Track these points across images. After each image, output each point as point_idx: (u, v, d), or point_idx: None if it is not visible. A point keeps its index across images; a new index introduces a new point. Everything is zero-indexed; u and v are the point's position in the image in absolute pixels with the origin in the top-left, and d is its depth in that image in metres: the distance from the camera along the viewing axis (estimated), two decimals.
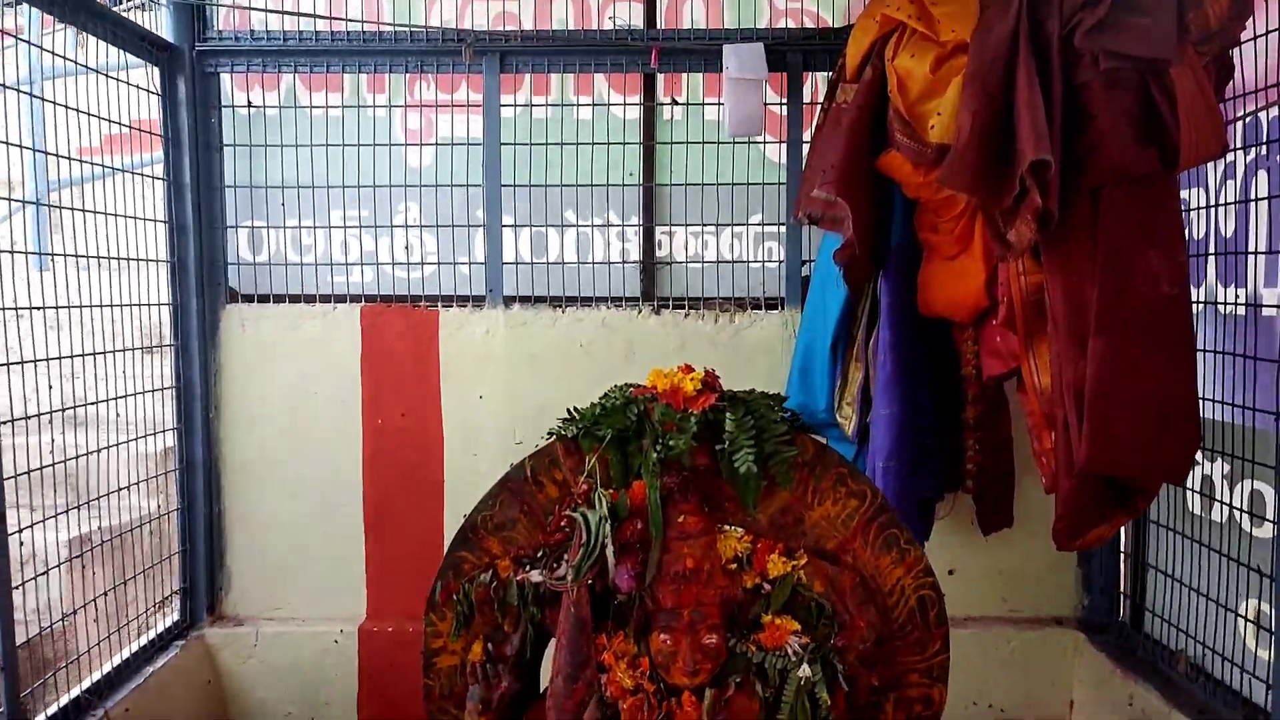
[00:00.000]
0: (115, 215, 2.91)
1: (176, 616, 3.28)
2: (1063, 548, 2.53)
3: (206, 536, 3.33)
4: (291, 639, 3.33)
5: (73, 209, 2.80)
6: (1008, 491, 3.09)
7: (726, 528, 1.97)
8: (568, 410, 2.02)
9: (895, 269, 2.86)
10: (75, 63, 2.79)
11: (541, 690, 2.01)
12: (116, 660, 2.88)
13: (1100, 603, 3.28)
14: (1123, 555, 3.25)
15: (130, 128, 2.95)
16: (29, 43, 3.19)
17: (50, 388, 2.52)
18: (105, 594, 2.84)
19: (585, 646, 1.82)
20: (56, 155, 2.68)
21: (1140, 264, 2.39)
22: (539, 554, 1.96)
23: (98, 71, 2.82)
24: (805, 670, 1.84)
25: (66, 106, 2.67)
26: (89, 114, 2.76)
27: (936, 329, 2.92)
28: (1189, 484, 2.82)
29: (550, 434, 2.03)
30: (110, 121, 2.85)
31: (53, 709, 2.56)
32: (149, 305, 3.09)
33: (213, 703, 3.25)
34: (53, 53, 2.75)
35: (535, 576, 1.89)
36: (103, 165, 2.95)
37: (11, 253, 2.48)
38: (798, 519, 2.01)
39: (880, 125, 2.73)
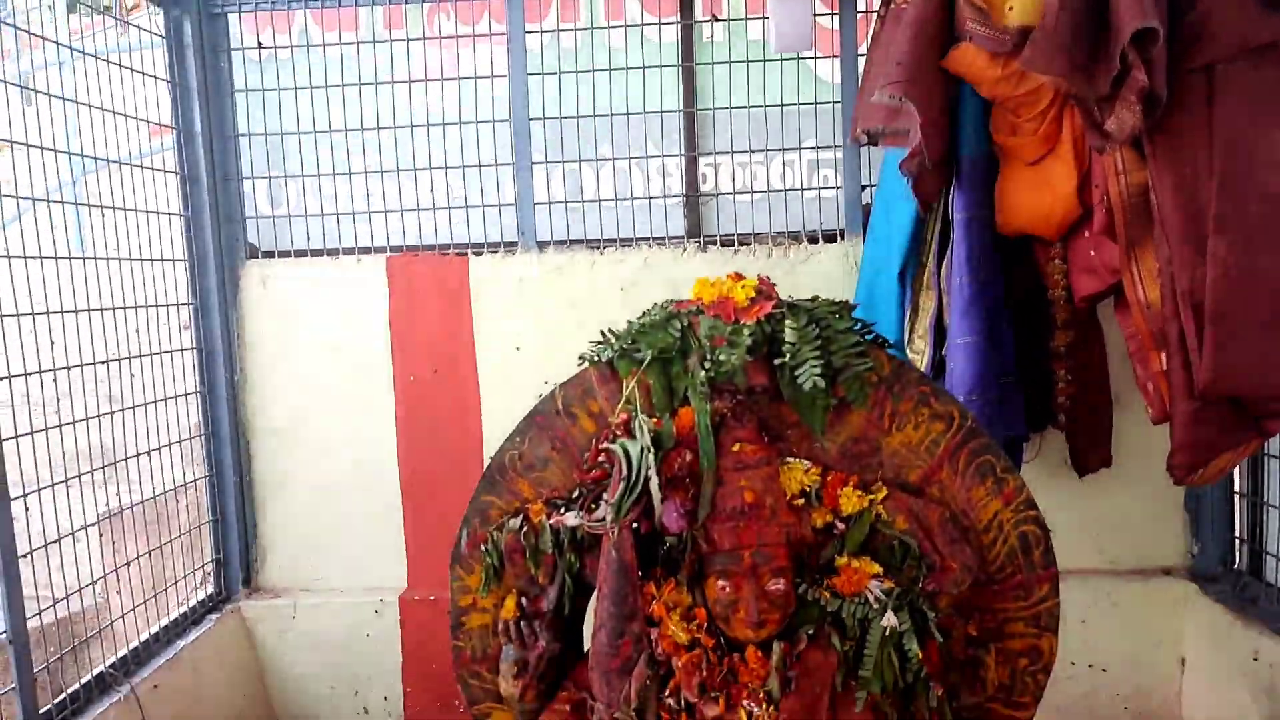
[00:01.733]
0: (126, 164, 2.74)
1: (211, 589, 3.13)
2: (1181, 482, 2.21)
3: (238, 505, 3.16)
4: (330, 610, 3.15)
5: (94, 156, 2.62)
6: (1105, 426, 2.77)
7: (790, 460, 1.70)
8: (601, 332, 1.76)
9: (969, 181, 2.55)
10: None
11: (584, 650, 1.77)
12: (146, 634, 2.72)
13: (1213, 549, 2.93)
14: (1237, 495, 2.89)
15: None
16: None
17: (52, 343, 2.35)
18: (130, 563, 2.68)
19: (630, 596, 1.57)
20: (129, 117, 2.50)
21: (1265, 151, 2.06)
22: (575, 495, 1.72)
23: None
24: (890, 619, 1.56)
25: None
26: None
27: (1017, 248, 2.61)
28: None
29: (581, 359, 1.77)
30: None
31: (74, 686, 2.40)
32: (164, 261, 2.91)
33: (249, 678, 3.10)
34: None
35: (571, 519, 1.64)
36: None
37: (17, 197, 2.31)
38: (873, 447, 1.72)
39: (947, 21, 2.42)
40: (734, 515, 1.57)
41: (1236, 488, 2.89)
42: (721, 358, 1.58)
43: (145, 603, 2.72)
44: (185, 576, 2.95)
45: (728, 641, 1.60)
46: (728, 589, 1.56)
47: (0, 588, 2.15)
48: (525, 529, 1.68)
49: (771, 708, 1.52)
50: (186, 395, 3.01)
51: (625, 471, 1.58)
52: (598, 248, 3.13)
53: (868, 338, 1.71)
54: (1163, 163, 2.13)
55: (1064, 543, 2.99)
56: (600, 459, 1.68)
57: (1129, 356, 2.46)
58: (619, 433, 1.66)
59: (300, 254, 3.20)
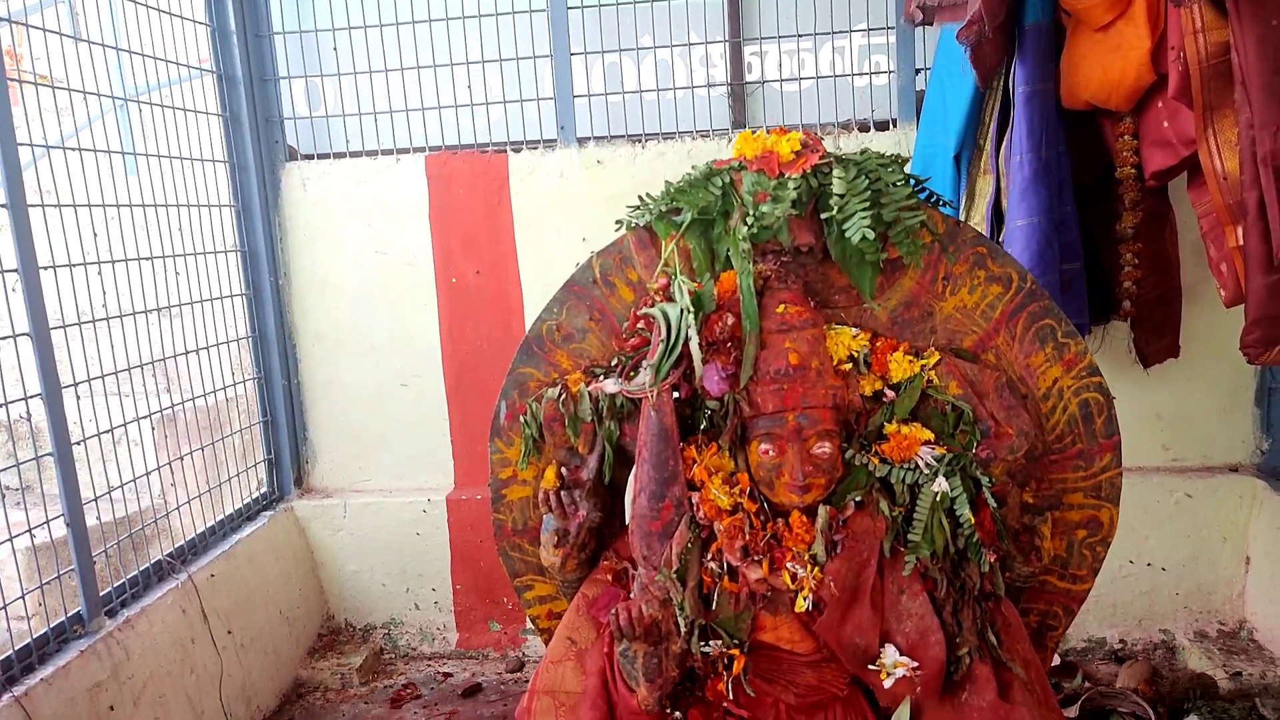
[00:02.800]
0: (159, 60, 2.71)
1: (265, 489, 3.19)
2: (1254, 361, 2.09)
3: (287, 408, 3.20)
4: (380, 510, 3.19)
5: (133, 52, 2.59)
6: (1173, 315, 2.64)
7: (837, 326, 1.63)
8: (639, 196, 1.69)
9: (1032, 51, 2.39)
10: None
11: (625, 522, 1.74)
12: (201, 527, 2.78)
13: None
14: None
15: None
16: None
17: (95, 235, 2.35)
18: (184, 457, 2.73)
19: (671, 459, 1.53)
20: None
21: None
22: (613, 363, 1.67)
23: None
24: (941, 484, 1.50)
25: None
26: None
27: (1082, 124, 2.46)
28: None
29: (619, 224, 1.71)
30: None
31: (133, 572, 2.47)
32: (204, 161, 2.90)
33: (304, 573, 3.17)
34: None
35: (610, 386, 1.60)
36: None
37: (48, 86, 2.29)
38: (925, 313, 1.64)
39: None
40: (778, 377, 1.51)
41: None
42: (764, 210, 1.50)
43: (200, 497, 2.78)
44: (239, 474, 3.00)
45: (771, 508, 1.56)
46: (771, 452, 1.51)
47: (56, 473, 2.20)
48: (564, 397, 1.65)
49: (816, 570, 1.48)
50: (232, 297, 3.02)
51: (664, 334, 1.53)
52: (639, 141, 3.04)
53: (921, 195, 1.61)
54: (1247, 18, 1.96)
55: (1125, 440, 2.91)
56: (639, 326, 1.63)
57: (1202, 238, 2.32)
58: (658, 298, 1.60)
59: (339, 155, 3.17)
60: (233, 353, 3.05)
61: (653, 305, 1.59)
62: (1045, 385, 1.63)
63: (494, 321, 3.14)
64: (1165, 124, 2.30)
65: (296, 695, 2.96)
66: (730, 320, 1.53)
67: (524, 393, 1.74)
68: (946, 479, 1.51)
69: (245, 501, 3.05)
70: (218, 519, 2.88)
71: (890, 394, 1.60)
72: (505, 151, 3.09)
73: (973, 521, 1.49)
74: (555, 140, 3.08)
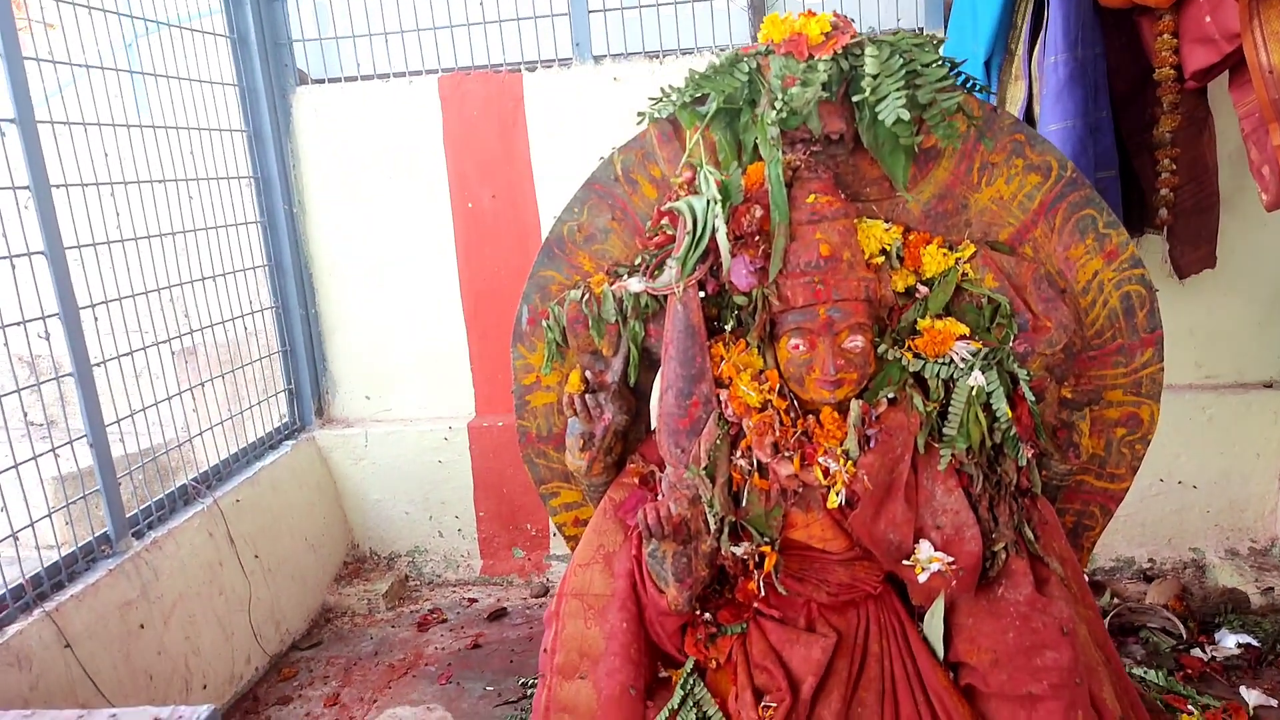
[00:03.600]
0: None
1: (286, 419, 3.18)
2: None
3: (305, 338, 3.18)
4: (402, 439, 3.19)
5: None
6: (1210, 224, 2.55)
7: (868, 220, 1.57)
8: (661, 88, 1.63)
9: None
10: None
11: (651, 426, 1.71)
12: (224, 454, 2.79)
13: None
14: None
15: None
16: None
17: (105, 154, 2.31)
18: (204, 383, 2.72)
19: (698, 356, 1.49)
20: None
21: None
22: (637, 262, 1.63)
23: None
24: (977, 378, 1.46)
25: None
26: None
27: (1119, 24, 2.35)
28: None
29: (640, 116, 1.65)
30: None
31: (158, 496, 2.48)
32: (215, 84, 2.84)
33: (327, 502, 3.18)
34: None
35: (634, 284, 1.56)
36: None
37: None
38: (960, 205, 1.58)
39: None
40: (808, 270, 1.46)
41: None
42: (793, 93, 1.43)
43: (222, 424, 2.77)
44: (259, 403, 2.99)
45: (801, 405, 1.52)
46: (801, 347, 1.47)
47: (77, 393, 2.19)
48: (587, 299, 1.61)
49: (850, 464, 1.45)
50: (247, 225, 2.98)
51: (690, 227, 1.47)
52: (657, 58, 2.95)
53: (958, 80, 1.54)
54: None
55: None
56: (663, 223, 1.58)
57: (1244, 140, 2.23)
58: (682, 192, 1.55)
59: (350, 79, 3.10)
60: (250, 285, 3.02)
61: (677, 200, 1.54)
62: (1085, 278, 1.58)
63: (511, 246, 3.09)
64: (1207, 18, 2.20)
65: (325, 620, 2.99)
66: (758, 212, 1.48)
67: (545, 296, 1.70)
68: (983, 373, 1.46)
69: (267, 431, 3.05)
70: (240, 446, 2.88)
71: (923, 290, 1.55)
72: (520, 71, 3.01)
73: (1010, 416, 1.45)
74: (570, 58, 3.00)
